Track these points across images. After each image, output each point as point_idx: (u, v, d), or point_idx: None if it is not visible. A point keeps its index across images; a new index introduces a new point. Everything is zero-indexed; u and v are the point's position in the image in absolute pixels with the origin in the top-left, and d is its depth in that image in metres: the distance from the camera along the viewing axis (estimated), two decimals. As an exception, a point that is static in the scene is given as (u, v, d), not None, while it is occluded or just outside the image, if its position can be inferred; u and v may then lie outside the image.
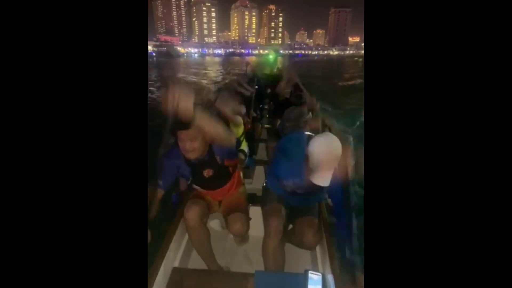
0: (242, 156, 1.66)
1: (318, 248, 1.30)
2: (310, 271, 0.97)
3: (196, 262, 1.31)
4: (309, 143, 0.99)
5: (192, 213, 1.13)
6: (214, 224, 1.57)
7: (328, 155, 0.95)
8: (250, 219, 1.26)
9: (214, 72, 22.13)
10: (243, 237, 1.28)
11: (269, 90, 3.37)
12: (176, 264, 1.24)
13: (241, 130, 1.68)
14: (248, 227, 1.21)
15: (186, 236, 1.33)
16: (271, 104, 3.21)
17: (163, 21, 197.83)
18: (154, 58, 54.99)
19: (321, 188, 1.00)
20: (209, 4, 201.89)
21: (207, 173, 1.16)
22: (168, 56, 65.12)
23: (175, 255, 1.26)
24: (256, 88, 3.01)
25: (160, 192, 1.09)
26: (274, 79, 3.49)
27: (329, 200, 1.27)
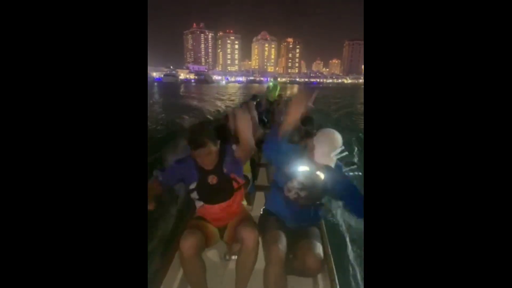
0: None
1: (320, 278, 1.24)
2: None
3: None
4: (315, 135, 1.18)
5: (188, 243, 1.08)
6: (212, 254, 1.46)
7: (331, 139, 1.14)
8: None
9: (235, 96, 24.96)
10: (255, 249, 1.13)
11: (266, 119, 3.48)
12: None
13: None
14: (258, 237, 1.16)
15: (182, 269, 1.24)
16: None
17: (192, 52, 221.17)
18: (193, 83, 67.61)
19: (324, 185, 1.15)
20: (233, 37, 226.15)
21: (212, 179, 1.21)
22: (205, 82, 77.54)
23: None
24: (258, 114, 3.03)
25: (159, 187, 1.16)
26: (273, 106, 3.76)
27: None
